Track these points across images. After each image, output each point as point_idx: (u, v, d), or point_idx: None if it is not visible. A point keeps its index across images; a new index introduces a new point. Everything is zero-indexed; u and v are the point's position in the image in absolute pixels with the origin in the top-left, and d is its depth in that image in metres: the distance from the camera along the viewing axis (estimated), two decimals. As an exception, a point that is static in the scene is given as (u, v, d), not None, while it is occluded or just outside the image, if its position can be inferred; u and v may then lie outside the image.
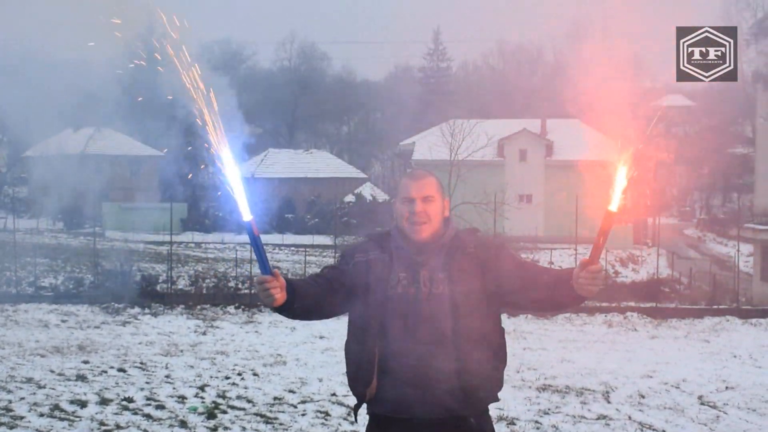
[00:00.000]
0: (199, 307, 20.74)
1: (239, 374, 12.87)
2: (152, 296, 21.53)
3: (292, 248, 40.10)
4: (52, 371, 12.82)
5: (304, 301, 3.84)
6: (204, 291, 22.75)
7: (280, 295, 3.71)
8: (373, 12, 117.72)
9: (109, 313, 19.59)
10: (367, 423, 4.08)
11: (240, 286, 23.80)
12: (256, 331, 17.78)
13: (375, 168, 79.12)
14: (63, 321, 18.47)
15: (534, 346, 16.53)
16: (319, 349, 15.63)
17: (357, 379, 3.94)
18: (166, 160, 59.46)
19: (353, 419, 4.25)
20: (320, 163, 58.60)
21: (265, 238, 43.88)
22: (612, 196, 3.45)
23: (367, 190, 53.24)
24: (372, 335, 3.86)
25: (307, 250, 32.48)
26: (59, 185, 54.20)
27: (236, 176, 3.55)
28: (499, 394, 3.98)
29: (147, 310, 20.08)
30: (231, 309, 20.66)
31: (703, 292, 24.24)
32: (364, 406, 4.01)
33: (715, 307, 21.62)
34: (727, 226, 54.00)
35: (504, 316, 19.64)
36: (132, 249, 34.78)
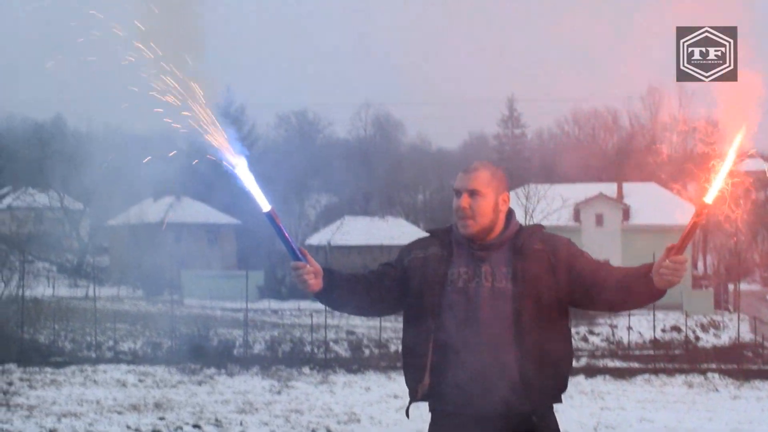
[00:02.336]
0: (274, 367, 20.80)
1: (313, 431, 12.86)
2: (228, 359, 21.69)
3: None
4: (128, 427, 12.95)
5: (345, 292, 3.81)
6: (279, 354, 22.86)
7: (314, 281, 3.70)
8: (447, 78, 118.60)
9: (186, 374, 19.75)
10: (429, 420, 3.99)
11: (316, 350, 23.84)
12: (331, 391, 17.77)
13: (451, 235, 78.77)
14: (140, 380, 18.68)
15: (612, 405, 16.24)
16: (394, 407, 15.55)
17: (410, 375, 3.89)
18: (243, 227, 60.25)
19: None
20: (396, 231, 58.75)
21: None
22: (709, 188, 3.43)
23: (442, 257, 53.05)
24: (427, 330, 3.79)
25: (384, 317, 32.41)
26: (139, 253, 55.27)
27: (246, 171, 3.59)
28: None
29: (223, 371, 20.21)
30: (306, 369, 20.70)
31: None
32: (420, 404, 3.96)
33: (801, 368, 21.04)
34: (813, 291, 52.69)
35: (581, 377, 19.37)
36: (209, 315, 35.16)
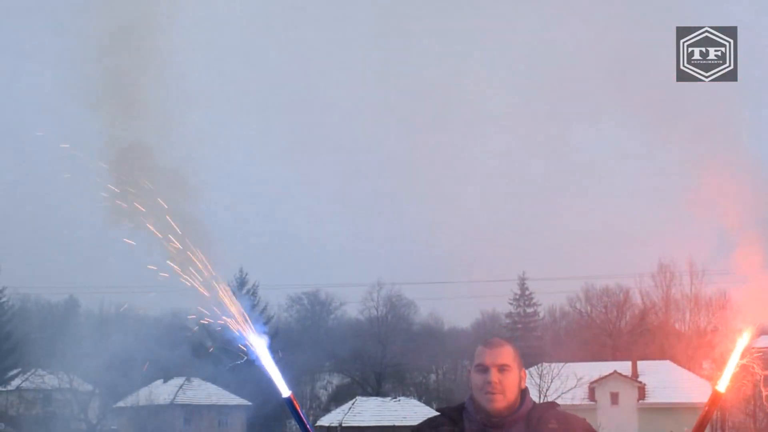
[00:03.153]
0: None
1: None
2: None
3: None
4: None
5: None
6: None
7: None
8: (458, 258, 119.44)
9: None
10: None
11: None
12: None
13: (464, 416, 77.71)
14: None
15: None
16: None
17: None
18: (253, 408, 59.56)
19: None
20: (408, 411, 57.89)
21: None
22: (721, 376, 3.40)
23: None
24: None
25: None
26: (149, 436, 54.34)
27: (267, 357, 3.59)
28: None
29: None
30: None
31: None
32: None
33: None
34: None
35: None
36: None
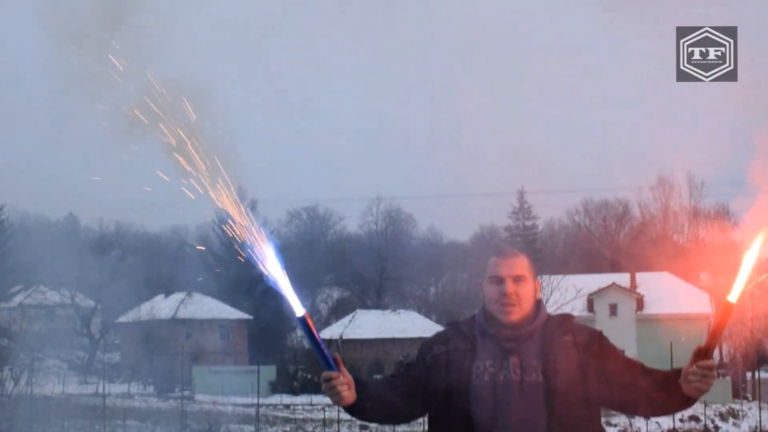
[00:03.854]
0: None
1: None
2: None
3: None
4: None
5: (375, 403, 3.57)
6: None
7: (347, 393, 3.46)
8: (457, 171, 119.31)
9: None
10: None
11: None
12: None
13: (464, 328, 78.40)
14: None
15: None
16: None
17: None
18: (255, 322, 60.05)
19: None
20: (408, 324, 58.41)
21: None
22: (733, 286, 3.24)
23: (455, 350, 52.64)
24: (458, 430, 3.56)
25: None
26: (150, 350, 54.96)
27: (281, 273, 3.43)
28: None
29: (234, 465, 19.88)
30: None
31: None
32: None
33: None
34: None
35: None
36: (221, 411, 34.75)
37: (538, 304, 3.71)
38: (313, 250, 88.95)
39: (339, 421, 24.90)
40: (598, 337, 3.67)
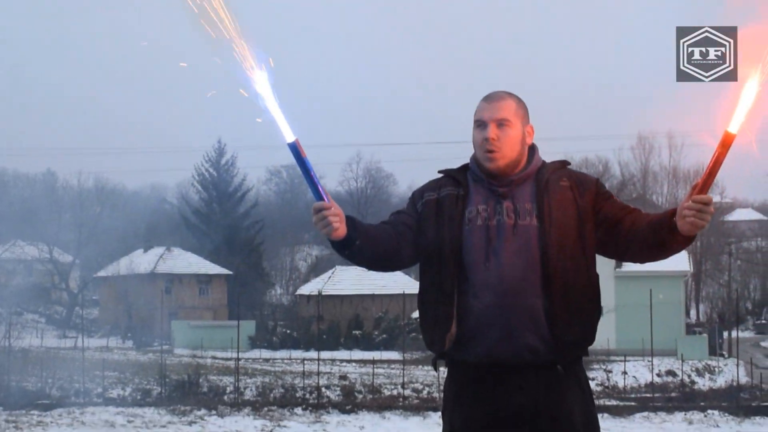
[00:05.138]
0: (266, 408, 20.46)
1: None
2: (219, 402, 21.37)
3: (361, 363, 39.71)
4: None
5: (367, 240, 3.44)
6: (271, 399, 22.54)
7: (339, 225, 3.31)
8: (433, 125, 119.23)
9: (176, 415, 19.38)
10: (446, 373, 3.65)
11: (308, 396, 23.52)
12: (324, 430, 17.44)
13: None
14: (129, 422, 18.33)
15: (611, 441, 15.95)
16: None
17: (435, 326, 3.52)
18: (234, 277, 60.09)
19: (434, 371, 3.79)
20: (388, 280, 58.53)
21: (332, 355, 43.91)
22: (733, 116, 3.05)
23: (434, 306, 52.89)
24: (450, 275, 3.46)
25: (376, 364, 32.13)
26: (129, 304, 54.89)
27: (271, 96, 3.22)
28: None
29: (213, 412, 19.85)
30: (298, 410, 20.34)
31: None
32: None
33: (802, 404, 20.81)
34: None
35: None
36: (200, 363, 34.78)
37: (532, 149, 3.62)
38: (293, 209, 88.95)
39: (318, 373, 24.91)
40: (595, 182, 3.60)
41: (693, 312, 67.85)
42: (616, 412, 19.79)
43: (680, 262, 48.67)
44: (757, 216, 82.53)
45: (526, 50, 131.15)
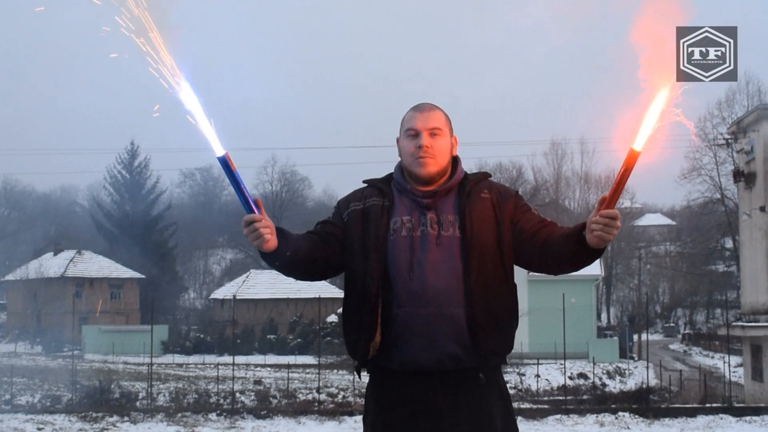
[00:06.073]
0: (180, 414, 20.21)
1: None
2: (132, 408, 21.04)
3: (275, 367, 39.52)
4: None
5: (297, 251, 3.49)
6: (185, 405, 22.29)
7: (270, 237, 3.34)
8: (352, 131, 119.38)
9: (87, 422, 19.04)
10: (368, 380, 3.70)
11: (223, 401, 23.33)
12: (239, 436, 17.29)
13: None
14: (39, 429, 17.94)
15: (525, 444, 16.09)
16: (304, 449, 15.18)
17: (359, 334, 3.56)
18: (147, 281, 59.28)
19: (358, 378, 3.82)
20: (303, 284, 58.36)
21: (247, 359, 43.65)
22: (638, 133, 3.12)
23: (349, 310, 52.93)
24: (374, 284, 3.52)
25: (291, 368, 32.01)
26: (38, 308, 53.73)
27: (200, 111, 3.20)
28: None
29: (126, 418, 19.54)
30: (213, 416, 20.13)
31: (695, 394, 23.92)
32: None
33: (708, 405, 21.26)
34: (712, 339, 53.79)
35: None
36: (111, 369, 34.28)
37: (455, 161, 3.72)
38: (207, 211, 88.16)
39: (233, 378, 24.74)
40: (514, 195, 3.70)
41: (604, 315, 69.04)
42: (529, 414, 20.00)
43: (592, 266, 49.23)
44: (666, 221, 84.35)
45: (440, 57, 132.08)
